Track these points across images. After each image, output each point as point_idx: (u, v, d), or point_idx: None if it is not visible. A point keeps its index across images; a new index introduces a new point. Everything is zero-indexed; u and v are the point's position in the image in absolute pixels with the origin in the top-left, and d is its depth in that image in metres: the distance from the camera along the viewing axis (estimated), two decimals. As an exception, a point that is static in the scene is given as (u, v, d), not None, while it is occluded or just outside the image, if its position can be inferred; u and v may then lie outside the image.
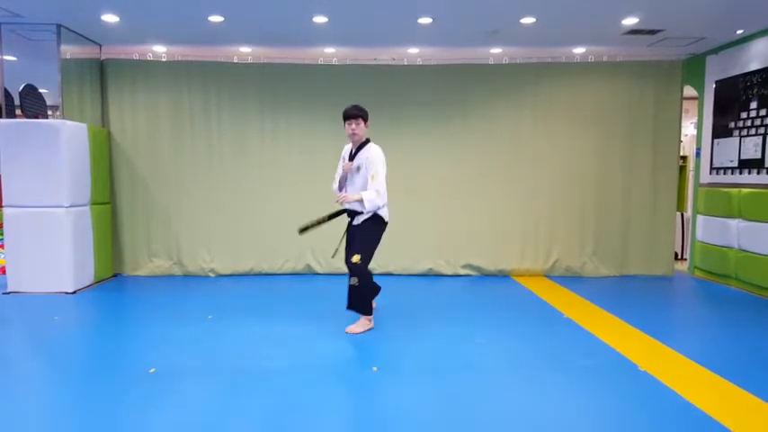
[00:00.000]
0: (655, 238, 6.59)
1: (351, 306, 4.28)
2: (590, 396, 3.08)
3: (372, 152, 4.19)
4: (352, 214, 4.27)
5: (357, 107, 4.22)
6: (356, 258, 4.10)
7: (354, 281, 4.14)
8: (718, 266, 6.17)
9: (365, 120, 4.23)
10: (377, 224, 4.22)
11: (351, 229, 4.33)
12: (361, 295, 4.20)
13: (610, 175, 6.53)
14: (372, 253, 4.24)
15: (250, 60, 6.58)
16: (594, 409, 2.92)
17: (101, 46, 6.32)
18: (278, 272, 6.59)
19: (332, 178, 4.56)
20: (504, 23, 5.39)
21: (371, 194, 4.06)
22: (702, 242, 6.48)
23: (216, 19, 5.26)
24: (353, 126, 4.18)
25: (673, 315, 5.10)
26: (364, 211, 4.14)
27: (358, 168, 4.21)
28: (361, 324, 4.24)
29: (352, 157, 4.28)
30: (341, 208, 4.33)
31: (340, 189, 4.39)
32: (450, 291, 5.89)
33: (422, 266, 6.55)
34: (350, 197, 4.13)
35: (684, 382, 3.25)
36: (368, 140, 4.29)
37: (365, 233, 4.21)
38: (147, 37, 5.98)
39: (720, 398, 3.03)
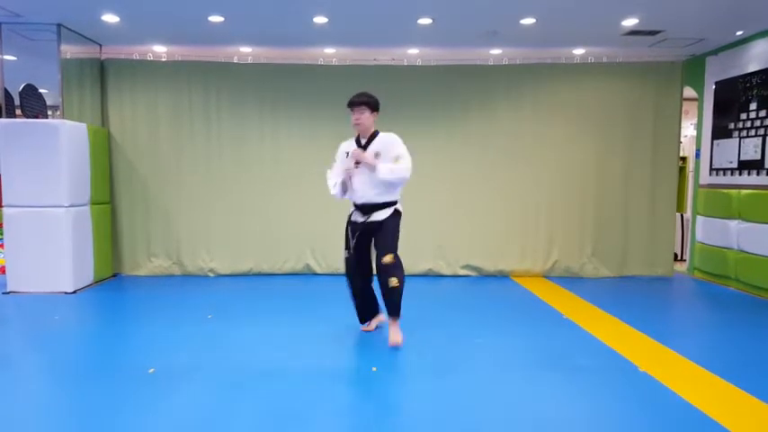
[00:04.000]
0: (654, 239, 6.59)
1: (392, 312, 3.85)
2: (589, 397, 3.08)
3: (391, 137, 3.91)
4: (368, 211, 3.92)
5: (364, 94, 3.89)
6: (390, 258, 3.77)
7: (394, 282, 3.74)
8: (717, 267, 6.17)
9: (372, 108, 3.89)
10: (398, 218, 3.95)
11: (366, 228, 3.94)
12: (400, 294, 3.80)
13: (609, 176, 6.53)
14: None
15: (250, 60, 6.58)
16: (594, 410, 2.92)
17: (101, 46, 6.32)
18: (278, 272, 6.58)
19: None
20: (503, 24, 5.39)
21: (400, 166, 3.78)
22: (702, 243, 6.48)
23: (216, 19, 5.27)
24: (357, 115, 3.86)
25: (672, 316, 5.11)
26: (385, 178, 3.78)
27: (376, 155, 3.84)
28: (397, 327, 3.87)
29: (364, 149, 3.91)
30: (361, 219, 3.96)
31: (344, 192, 4.00)
32: (449, 291, 5.89)
33: (421, 267, 6.55)
34: (368, 158, 3.79)
35: (684, 382, 3.25)
36: (377, 132, 3.96)
37: (390, 227, 3.88)
38: (148, 37, 5.98)
39: (720, 398, 3.03)
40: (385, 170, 3.76)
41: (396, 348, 3.83)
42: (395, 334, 3.86)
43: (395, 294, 3.80)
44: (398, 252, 3.89)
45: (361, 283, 4.11)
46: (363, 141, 3.95)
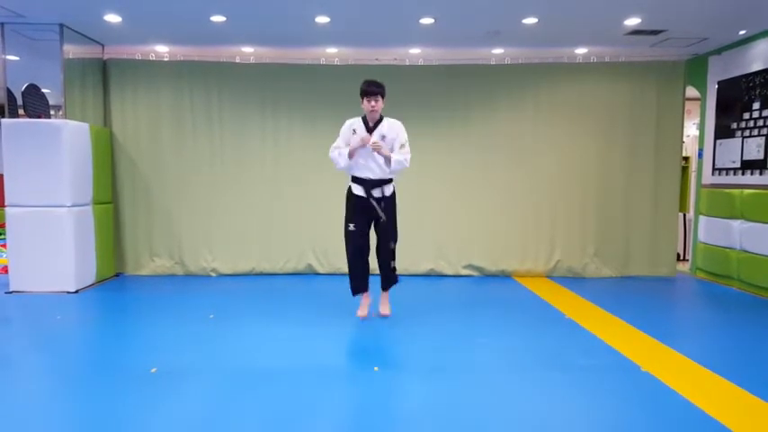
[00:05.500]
0: (657, 239, 6.58)
1: (388, 287, 4.56)
2: (591, 396, 3.07)
3: (397, 124, 4.34)
4: (374, 185, 4.30)
5: (376, 83, 4.25)
6: (394, 245, 4.44)
7: (394, 264, 4.47)
8: (720, 267, 6.16)
9: (384, 96, 4.29)
10: (395, 198, 4.48)
11: (371, 203, 4.30)
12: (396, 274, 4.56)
13: (612, 176, 6.52)
14: None
15: (252, 60, 6.58)
16: (596, 410, 2.92)
17: (103, 46, 6.33)
18: (279, 271, 6.59)
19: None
20: (506, 24, 5.38)
21: (403, 156, 4.27)
22: (704, 243, 6.46)
23: (218, 19, 5.27)
24: (373, 103, 4.21)
25: (674, 316, 5.10)
26: (389, 172, 4.32)
27: (383, 138, 4.25)
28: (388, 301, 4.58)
29: (370, 132, 4.28)
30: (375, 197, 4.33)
31: (350, 158, 4.31)
32: (451, 291, 5.89)
33: (423, 267, 6.55)
34: (386, 149, 4.22)
35: (686, 382, 3.24)
36: (382, 117, 4.35)
37: (393, 213, 4.45)
38: (150, 37, 5.99)
39: (722, 398, 3.03)
40: (395, 164, 4.26)
41: (397, 348, 3.85)
42: (387, 305, 4.57)
43: (395, 274, 4.54)
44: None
45: (362, 257, 4.42)
46: (371, 124, 4.30)
